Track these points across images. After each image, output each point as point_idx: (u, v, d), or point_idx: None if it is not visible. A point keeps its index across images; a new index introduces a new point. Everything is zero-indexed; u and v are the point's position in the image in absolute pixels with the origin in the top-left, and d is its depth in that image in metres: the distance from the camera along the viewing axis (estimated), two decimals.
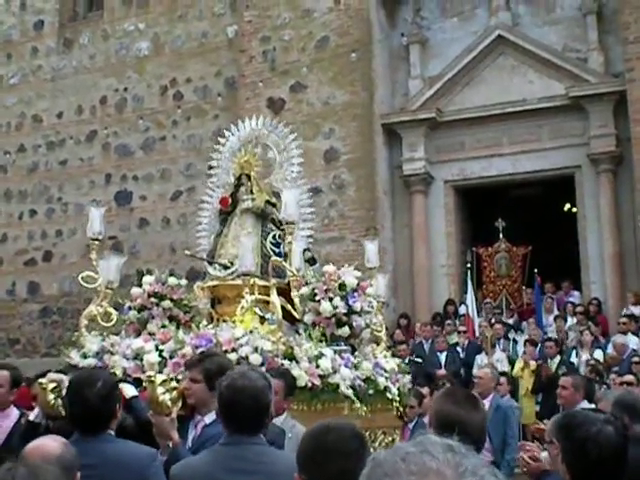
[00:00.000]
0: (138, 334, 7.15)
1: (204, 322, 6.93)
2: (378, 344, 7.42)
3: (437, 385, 11.43)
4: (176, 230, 17.00)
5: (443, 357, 13.19)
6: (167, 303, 7.51)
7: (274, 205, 7.94)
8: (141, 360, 6.44)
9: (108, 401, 3.90)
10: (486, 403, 9.80)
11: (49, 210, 18.64)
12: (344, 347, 6.82)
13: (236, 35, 17.21)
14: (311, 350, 6.31)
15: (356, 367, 6.59)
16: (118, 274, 7.22)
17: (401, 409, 7.13)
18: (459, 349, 13.52)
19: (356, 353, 6.85)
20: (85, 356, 6.80)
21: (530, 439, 8.33)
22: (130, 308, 7.59)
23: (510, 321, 14.72)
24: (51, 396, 5.20)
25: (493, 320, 14.02)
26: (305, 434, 2.93)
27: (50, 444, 3.11)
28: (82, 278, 7.14)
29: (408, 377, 7.48)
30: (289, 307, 7.00)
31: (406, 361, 12.74)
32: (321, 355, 6.32)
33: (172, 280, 7.65)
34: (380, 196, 15.61)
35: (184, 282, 7.78)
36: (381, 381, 6.78)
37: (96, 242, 7.18)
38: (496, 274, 15.97)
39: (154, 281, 7.61)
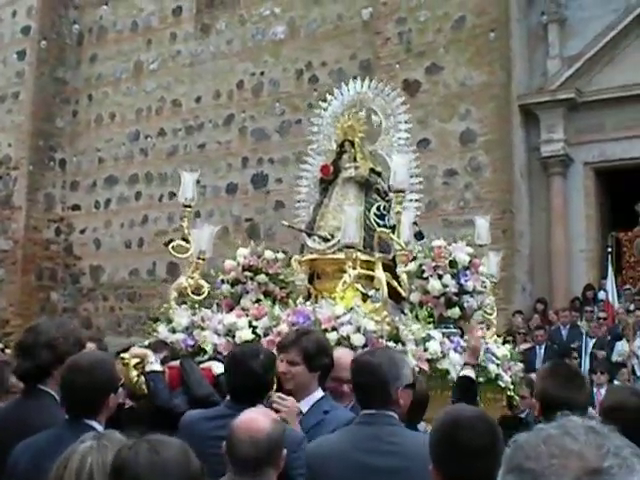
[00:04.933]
0: (231, 309, 6.77)
1: (300, 299, 6.55)
2: (489, 328, 6.85)
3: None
4: None
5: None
6: (262, 277, 7.04)
7: (379, 174, 7.46)
8: (233, 337, 6.15)
9: (269, 372, 3.99)
10: None
11: None
12: (453, 330, 6.31)
13: (371, 17, 17.16)
14: (419, 332, 5.84)
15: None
16: (211, 244, 6.84)
17: (517, 398, 6.63)
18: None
19: (466, 337, 6.18)
20: (174, 330, 6.48)
21: None
22: (223, 282, 7.17)
23: None
24: (134, 373, 5.06)
25: (632, 307, 13.64)
26: (434, 426, 2.86)
27: (260, 420, 3.12)
28: (172, 247, 6.82)
29: (520, 365, 6.95)
30: (395, 284, 6.53)
31: (544, 347, 12.75)
32: (429, 337, 5.85)
33: (268, 253, 7.18)
34: (517, 178, 15.34)
35: (281, 256, 7.31)
36: (492, 368, 6.22)
37: (188, 209, 6.85)
38: (636, 259, 15.53)
39: (249, 254, 7.16)
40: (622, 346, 12.43)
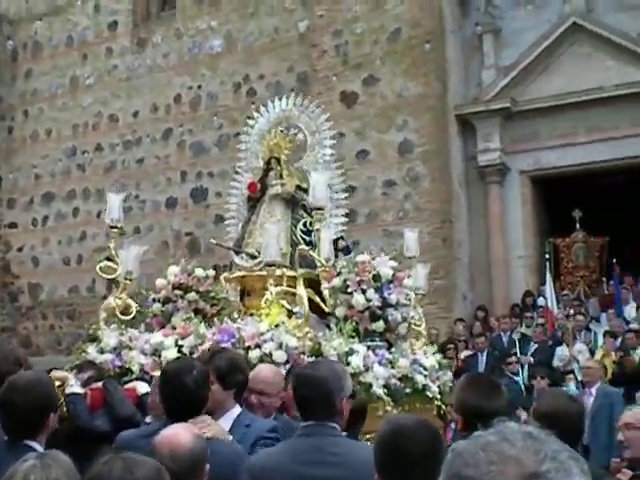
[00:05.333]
0: (162, 328, 6.79)
1: (234, 315, 6.58)
2: (417, 339, 7.01)
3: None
4: None
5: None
6: (192, 295, 7.09)
7: (305, 190, 7.51)
8: (159, 356, 6.17)
9: (203, 387, 3.93)
10: (593, 392, 9.81)
11: (126, 208, 18.81)
12: (379, 343, 6.40)
13: (308, 30, 17.19)
14: (341, 346, 5.92)
15: (392, 364, 6.18)
16: (137, 264, 6.85)
17: (444, 408, 6.64)
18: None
19: (393, 349, 6.42)
20: (102, 351, 6.48)
21: None
22: (154, 300, 7.19)
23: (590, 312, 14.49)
24: None
25: (572, 312, 13.81)
26: (378, 434, 2.89)
27: (182, 435, 3.09)
28: (100, 268, 6.85)
29: (450, 374, 7.08)
30: (318, 299, 6.64)
31: (486, 353, 12.86)
32: (352, 352, 5.94)
33: (199, 271, 7.23)
34: (455, 188, 15.48)
35: (212, 273, 7.36)
36: (419, 379, 6.38)
37: (115, 230, 6.84)
38: (574, 265, 15.74)
39: (179, 272, 7.19)
40: (562, 351, 12.58)
